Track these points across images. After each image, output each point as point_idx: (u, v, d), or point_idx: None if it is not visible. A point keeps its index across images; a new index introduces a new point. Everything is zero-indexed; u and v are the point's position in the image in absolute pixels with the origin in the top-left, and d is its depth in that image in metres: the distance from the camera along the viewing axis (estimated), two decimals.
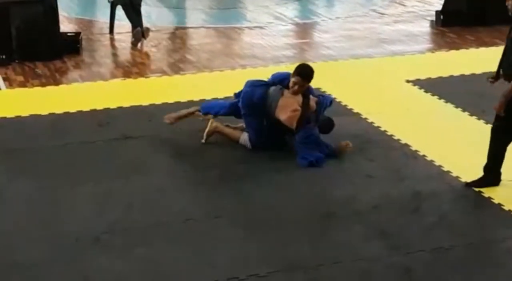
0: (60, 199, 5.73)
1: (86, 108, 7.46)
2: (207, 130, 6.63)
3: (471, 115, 7.27)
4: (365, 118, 7.20)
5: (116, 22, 10.10)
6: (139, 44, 9.66)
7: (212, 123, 6.65)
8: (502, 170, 5.84)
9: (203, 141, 6.60)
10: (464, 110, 7.38)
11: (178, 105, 7.52)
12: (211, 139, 6.64)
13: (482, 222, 5.43)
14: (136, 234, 5.24)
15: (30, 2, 9.02)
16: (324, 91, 7.87)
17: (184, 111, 6.86)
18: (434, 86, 8.03)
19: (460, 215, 5.51)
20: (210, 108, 6.81)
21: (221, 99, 7.30)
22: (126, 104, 7.56)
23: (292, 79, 6.39)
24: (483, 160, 5.88)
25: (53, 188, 5.88)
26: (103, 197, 5.74)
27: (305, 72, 6.42)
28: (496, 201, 5.66)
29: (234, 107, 6.66)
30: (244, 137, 6.58)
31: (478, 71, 8.49)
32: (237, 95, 6.73)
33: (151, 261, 4.92)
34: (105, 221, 5.38)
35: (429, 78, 8.29)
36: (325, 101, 6.71)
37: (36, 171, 6.17)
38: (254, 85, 6.57)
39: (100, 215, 5.47)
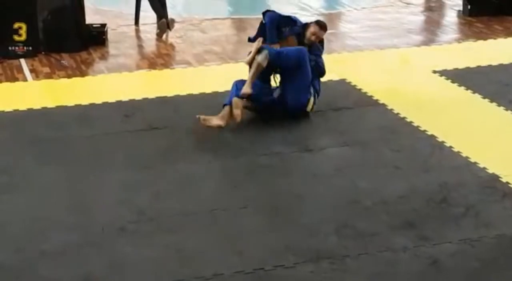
0: (88, 188, 5.77)
1: (111, 99, 7.49)
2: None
3: (499, 105, 7.21)
4: (391, 109, 7.16)
5: (141, 13, 10.13)
6: (164, 35, 9.67)
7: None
8: None
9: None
10: (491, 101, 7.31)
11: (203, 96, 7.54)
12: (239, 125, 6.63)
13: (510, 213, 5.38)
14: (163, 223, 5.26)
15: None
16: (349, 82, 7.85)
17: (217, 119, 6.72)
18: (461, 76, 7.96)
19: (487, 205, 5.46)
20: (228, 100, 6.80)
21: None
22: (151, 95, 7.59)
23: (311, 30, 7.12)
24: (510, 151, 5.83)
25: (81, 177, 5.92)
26: (130, 186, 5.77)
27: (323, 23, 7.26)
28: None
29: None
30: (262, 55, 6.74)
31: (506, 61, 8.42)
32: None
33: (177, 250, 4.93)
34: (131, 210, 5.41)
35: (456, 69, 8.22)
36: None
37: (64, 160, 6.22)
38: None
39: (126, 204, 5.50)
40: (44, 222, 5.28)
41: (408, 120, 6.91)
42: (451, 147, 6.36)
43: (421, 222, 5.23)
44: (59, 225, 5.24)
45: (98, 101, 7.45)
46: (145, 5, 9.97)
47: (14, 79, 8.23)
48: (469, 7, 10.34)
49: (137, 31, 10.03)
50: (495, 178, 5.83)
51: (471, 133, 6.67)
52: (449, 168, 6.02)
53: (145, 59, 8.97)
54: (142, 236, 5.11)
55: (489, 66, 8.34)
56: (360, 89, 7.66)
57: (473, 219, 5.28)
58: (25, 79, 8.24)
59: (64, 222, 5.28)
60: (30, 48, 8.91)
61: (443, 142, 6.46)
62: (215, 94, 7.44)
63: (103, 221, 5.28)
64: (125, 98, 7.51)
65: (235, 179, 5.91)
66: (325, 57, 8.26)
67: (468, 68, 8.27)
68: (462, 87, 7.69)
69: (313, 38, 7.11)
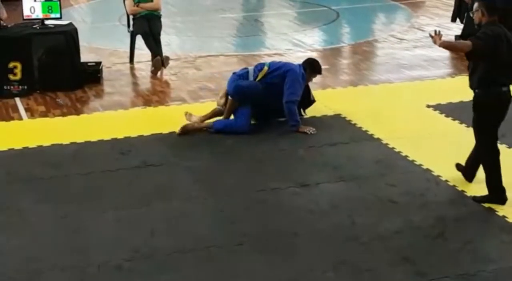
0: (84, 226, 5.75)
1: (107, 137, 7.49)
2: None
3: None
4: (386, 144, 7.18)
5: (136, 51, 10.19)
6: (159, 73, 9.71)
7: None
8: None
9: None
10: None
11: (198, 133, 7.55)
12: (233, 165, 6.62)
13: (507, 247, 5.37)
14: (159, 260, 5.23)
15: (52, 33, 9.13)
16: (344, 117, 7.88)
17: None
18: (455, 110, 8.00)
19: (484, 240, 5.45)
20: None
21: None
22: (146, 132, 7.60)
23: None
24: (506, 184, 5.84)
25: (77, 215, 5.90)
26: (126, 224, 5.75)
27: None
28: None
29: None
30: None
31: None
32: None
33: None
34: (128, 248, 5.38)
35: (450, 103, 8.26)
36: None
37: (60, 198, 6.20)
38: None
39: (123, 242, 5.48)
40: (39, 263, 5.24)
41: (403, 154, 6.92)
42: (446, 181, 6.37)
43: (418, 257, 5.21)
44: (54, 265, 5.20)
45: (94, 139, 7.45)
46: (140, 43, 10.03)
47: (9, 118, 8.24)
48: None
49: (132, 68, 10.07)
50: (491, 212, 5.83)
51: None
52: (445, 202, 6.01)
53: (140, 97, 9.00)
54: (138, 274, 5.08)
55: None
56: (355, 124, 7.68)
57: (470, 253, 5.27)
58: (20, 118, 8.24)
59: (59, 262, 5.24)
60: (25, 87, 8.94)
61: (438, 176, 6.46)
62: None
63: (99, 259, 5.25)
64: (120, 135, 7.52)
65: (231, 216, 5.89)
66: (320, 92, 8.31)
67: (461, 102, 8.30)
68: (456, 121, 7.72)
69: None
